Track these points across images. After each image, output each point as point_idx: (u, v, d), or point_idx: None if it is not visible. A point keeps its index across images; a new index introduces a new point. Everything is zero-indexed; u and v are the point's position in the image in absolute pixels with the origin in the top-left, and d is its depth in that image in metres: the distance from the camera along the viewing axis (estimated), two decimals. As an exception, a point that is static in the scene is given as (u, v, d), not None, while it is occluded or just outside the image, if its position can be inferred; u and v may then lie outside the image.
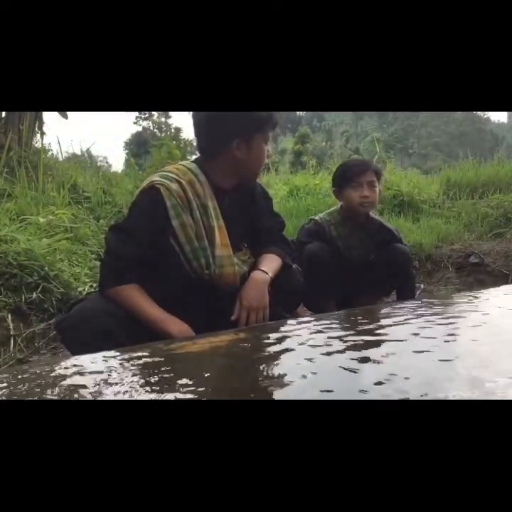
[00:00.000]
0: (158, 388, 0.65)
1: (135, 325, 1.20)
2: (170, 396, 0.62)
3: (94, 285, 2.37)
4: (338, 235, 2.06)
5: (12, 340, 1.96)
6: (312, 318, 1.20)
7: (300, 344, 0.87)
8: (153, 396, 0.62)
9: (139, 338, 1.10)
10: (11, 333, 1.98)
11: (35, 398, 0.64)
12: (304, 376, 0.68)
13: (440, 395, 0.59)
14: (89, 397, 0.63)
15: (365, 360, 0.74)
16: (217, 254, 1.31)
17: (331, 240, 2.05)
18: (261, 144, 1.36)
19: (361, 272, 2.05)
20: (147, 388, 0.65)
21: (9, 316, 2.03)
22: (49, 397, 0.65)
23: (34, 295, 2.12)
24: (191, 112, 1.37)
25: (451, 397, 0.57)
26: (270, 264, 1.42)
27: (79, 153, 6.14)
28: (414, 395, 0.59)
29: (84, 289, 2.31)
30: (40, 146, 4.19)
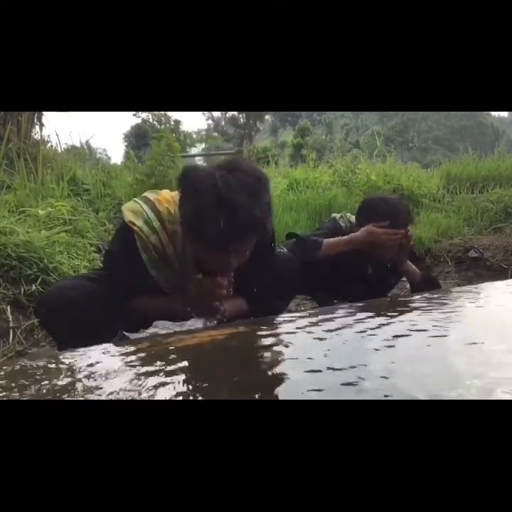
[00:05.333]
0: (158, 384, 0.65)
1: (102, 297, 1.23)
2: (169, 392, 0.62)
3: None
4: (357, 251, 1.92)
5: (11, 333, 1.96)
6: (311, 312, 1.20)
7: (300, 338, 0.87)
8: (152, 392, 0.62)
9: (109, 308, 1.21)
10: (11, 325, 1.98)
11: (34, 394, 0.64)
12: (304, 371, 0.68)
13: (437, 391, 0.59)
14: (87, 392, 0.63)
15: (365, 354, 0.74)
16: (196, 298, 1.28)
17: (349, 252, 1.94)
18: (192, 245, 1.17)
19: (371, 278, 2.01)
20: (146, 384, 0.65)
21: (8, 308, 2.03)
22: (47, 392, 0.65)
23: (33, 287, 2.12)
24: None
25: (448, 394, 0.57)
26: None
27: (78, 145, 6.11)
28: (412, 392, 0.59)
29: (83, 282, 2.31)
30: (39, 137, 4.17)
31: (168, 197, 1.26)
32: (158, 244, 1.21)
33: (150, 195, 1.27)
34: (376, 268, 2.00)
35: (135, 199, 1.28)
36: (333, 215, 2.16)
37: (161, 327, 1.54)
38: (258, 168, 1.14)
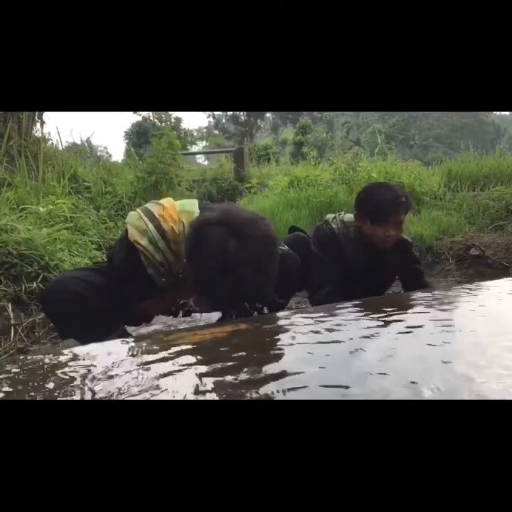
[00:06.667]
0: (158, 383, 0.65)
1: (103, 289, 1.26)
2: (169, 391, 0.62)
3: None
4: (352, 251, 1.97)
5: (12, 330, 1.96)
6: (312, 309, 1.20)
7: (300, 335, 0.87)
8: (152, 391, 0.62)
9: (110, 300, 1.23)
10: (12, 322, 1.98)
11: (34, 392, 0.64)
12: (305, 369, 0.68)
13: (436, 389, 0.59)
14: (87, 392, 0.63)
15: (364, 352, 0.75)
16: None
17: (343, 252, 1.97)
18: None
19: (365, 278, 2.02)
20: (146, 383, 0.65)
21: (10, 305, 2.03)
22: (46, 390, 0.65)
23: (34, 285, 2.13)
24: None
25: (446, 392, 0.57)
26: None
27: (79, 142, 6.11)
28: (412, 389, 0.59)
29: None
30: (40, 135, 4.18)
31: (172, 213, 1.24)
32: (164, 262, 1.22)
33: (155, 210, 1.25)
34: (372, 268, 2.01)
35: (140, 213, 1.26)
36: (327, 216, 2.17)
37: (161, 323, 1.54)
38: (271, 232, 1.10)
